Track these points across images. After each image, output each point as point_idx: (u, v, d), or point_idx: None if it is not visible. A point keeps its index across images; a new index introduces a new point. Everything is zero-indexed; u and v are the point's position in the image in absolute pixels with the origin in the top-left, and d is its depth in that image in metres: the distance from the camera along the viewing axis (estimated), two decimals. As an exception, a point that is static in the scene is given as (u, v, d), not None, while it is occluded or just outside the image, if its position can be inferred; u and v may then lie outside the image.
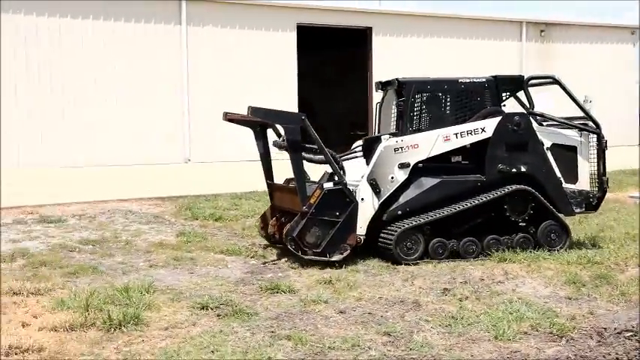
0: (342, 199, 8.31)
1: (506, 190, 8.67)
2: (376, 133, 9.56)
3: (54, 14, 21.47)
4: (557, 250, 8.64)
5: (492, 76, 9.25)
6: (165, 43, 23.11)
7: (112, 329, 5.72)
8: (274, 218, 9.16)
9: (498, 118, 8.82)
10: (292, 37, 24.82)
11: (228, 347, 5.33)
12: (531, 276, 7.60)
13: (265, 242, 9.56)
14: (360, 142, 9.56)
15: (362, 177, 8.55)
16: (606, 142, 9.31)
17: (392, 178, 8.54)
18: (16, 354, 5.20)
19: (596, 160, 9.26)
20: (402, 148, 8.60)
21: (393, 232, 8.32)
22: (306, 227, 8.18)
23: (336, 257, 8.19)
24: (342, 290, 7.03)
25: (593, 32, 31.34)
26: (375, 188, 8.47)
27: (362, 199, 8.42)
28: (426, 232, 8.46)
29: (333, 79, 31.66)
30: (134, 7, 22.55)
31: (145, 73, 22.77)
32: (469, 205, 8.56)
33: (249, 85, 23.04)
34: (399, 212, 8.53)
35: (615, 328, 5.69)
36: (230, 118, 8.92)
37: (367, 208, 8.45)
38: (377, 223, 8.54)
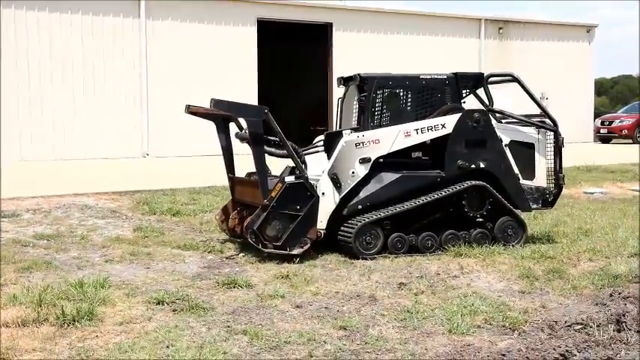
0: (304, 193, 8.34)
1: (464, 185, 8.76)
2: (338, 129, 9.59)
3: (9, 5, 21.15)
4: (513, 246, 8.75)
5: (453, 73, 9.32)
6: (124, 36, 22.89)
7: (66, 325, 5.65)
8: (235, 212, 9.15)
9: (458, 115, 8.91)
10: (252, 32, 24.76)
11: (183, 342, 5.31)
12: (486, 270, 7.69)
13: (223, 237, 9.54)
14: (321, 137, 9.58)
15: (323, 171, 8.58)
16: (563, 140, 9.46)
17: (353, 172, 8.59)
18: (-35, 350, 5.13)
19: (552, 157, 9.40)
20: (363, 143, 8.65)
21: (352, 226, 8.37)
22: (267, 221, 8.19)
23: (297, 251, 8.21)
24: (299, 285, 7.05)
25: (549, 30, 31.80)
26: (336, 183, 8.50)
27: (323, 193, 8.45)
28: (386, 226, 8.51)
29: (294, 74, 31.66)
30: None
31: (103, 67, 22.55)
32: (428, 199, 8.63)
33: (209, 79, 22.96)
34: (360, 207, 8.58)
35: (566, 321, 5.78)
36: (192, 110, 8.90)
37: (328, 203, 8.49)
38: (337, 217, 8.58)
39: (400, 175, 8.75)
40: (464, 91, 9.39)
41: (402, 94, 9.32)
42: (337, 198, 8.54)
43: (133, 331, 5.62)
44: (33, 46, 21.38)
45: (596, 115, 34.66)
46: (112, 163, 20.10)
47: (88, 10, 22.13)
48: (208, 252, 8.79)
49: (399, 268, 7.81)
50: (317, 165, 8.87)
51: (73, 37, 22.00)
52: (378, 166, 8.74)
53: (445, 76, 9.27)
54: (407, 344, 5.36)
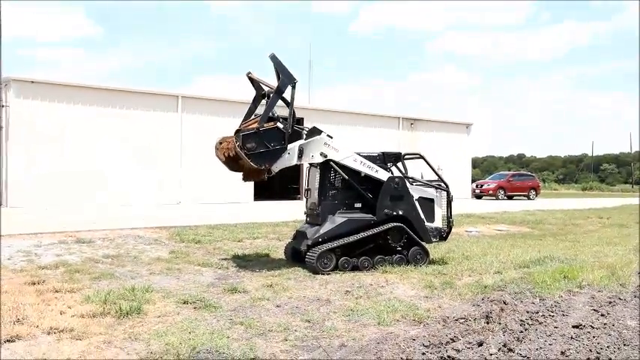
0: (280, 139, 8.12)
1: (389, 225, 8.77)
2: (306, 187, 9.54)
3: (93, 103, 21.13)
4: (421, 266, 8.73)
5: (381, 152, 9.35)
6: (166, 125, 22.91)
7: (122, 317, 5.53)
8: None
9: (388, 174, 8.97)
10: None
11: (200, 329, 5.21)
12: (403, 282, 7.65)
13: (229, 257, 9.39)
14: (308, 127, 9.19)
15: (296, 144, 8.49)
16: (452, 197, 9.53)
17: (312, 156, 8.55)
18: (55, 333, 4.98)
19: (446, 207, 9.44)
20: (329, 145, 8.64)
21: (315, 252, 8.29)
22: (251, 136, 7.95)
23: (253, 162, 7.97)
24: (279, 291, 6.95)
25: (443, 126, 32.51)
26: (300, 153, 8.43)
27: (288, 153, 8.33)
28: (337, 252, 8.43)
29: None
30: (146, 100, 22.40)
31: (153, 145, 22.49)
32: (365, 235, 8.60)
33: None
34: (320, 239, 8.48)
35: (454, 317, 5.78)
36: (250, 76, 8.59)
37: (287, 159, 8.35)
38: (306, 246, 8.48)
39: (347, 218, 8.73)
40: (389, 164, 9.45)
41: None
42: (293, 161, 8.41)
43: (167, 321, 5.49)
44: (111, 132, 21.32)
45: (473, 181, 35.22)
46: (156, 207, 19.82)
47: (141, 107, 22.22)
48: (219, 268, 8.63)
49: (346, 281, 7.74)
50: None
51: (133, 125, 21.99)
52: (332, 209, 8.67)
53: (377, 154, 9.31)
54: (350, 332, 5.30)
